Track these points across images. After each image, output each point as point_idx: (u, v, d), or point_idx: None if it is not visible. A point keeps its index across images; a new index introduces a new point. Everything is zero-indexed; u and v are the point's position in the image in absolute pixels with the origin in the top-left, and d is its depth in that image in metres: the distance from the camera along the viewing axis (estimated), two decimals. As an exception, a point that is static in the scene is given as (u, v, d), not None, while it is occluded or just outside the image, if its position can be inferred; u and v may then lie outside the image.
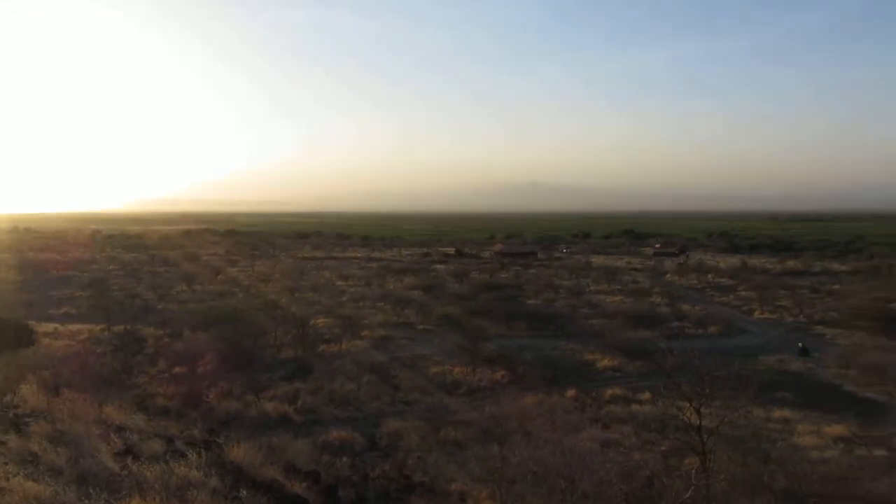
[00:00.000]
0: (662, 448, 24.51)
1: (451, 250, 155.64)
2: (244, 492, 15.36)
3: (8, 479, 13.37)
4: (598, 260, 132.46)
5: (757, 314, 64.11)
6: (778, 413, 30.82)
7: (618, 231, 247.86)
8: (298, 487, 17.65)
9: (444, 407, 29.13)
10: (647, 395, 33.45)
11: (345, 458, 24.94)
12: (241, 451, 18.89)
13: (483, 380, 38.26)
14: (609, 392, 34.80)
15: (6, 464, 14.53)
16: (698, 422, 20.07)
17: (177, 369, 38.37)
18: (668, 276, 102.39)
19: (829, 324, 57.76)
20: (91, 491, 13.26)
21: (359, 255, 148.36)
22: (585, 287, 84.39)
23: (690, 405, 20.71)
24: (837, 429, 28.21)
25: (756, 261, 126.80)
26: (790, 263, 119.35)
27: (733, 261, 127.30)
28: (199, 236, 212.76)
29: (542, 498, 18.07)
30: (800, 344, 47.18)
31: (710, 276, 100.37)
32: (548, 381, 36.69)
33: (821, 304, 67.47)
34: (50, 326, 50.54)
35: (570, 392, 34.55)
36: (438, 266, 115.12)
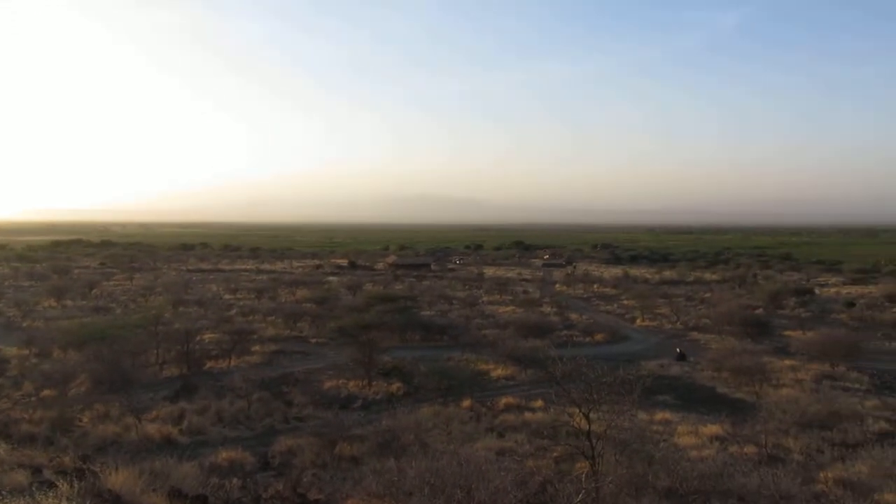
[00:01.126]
0: (555, 454, 25.22)
1: (345, 262, 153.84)
2: (123, 522, 14.25)
3: None
4: (490, 271, 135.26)
5: (639, 322, 67.58)
6: (660, 415, 32.47)
7: (508, 243, 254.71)
8: (184, 514, 16.62)
9: (340, 422, 28.52)
10: (539, 403, 34.35)
11: (235, 480, 23.80)
12: (119, 478, 17.54)
13: (379, 392, 37.89)
14: (503, 401, 35.39)
15: None
16: (587, 427, 20.81)
17: (45, 392, 35.37)
18: (557, 286, 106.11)
19: (702, 330, 61.80)
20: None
21: (248, 266, 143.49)
22: (478, 298, 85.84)
23: (580, 411, 21.45)
24: (713, 428, 30.10)
25: (637, 271, 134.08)
26: (667, 273, 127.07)
27: (616, 271, 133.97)
28: (70, 248, 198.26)
29: (440, 510, 18.02)
30: (677, 349, 50.15)
31: (595, 286, 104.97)
32: (443, 391, 36.86)
33: (695, 312, 72.11)
34: None
35: (466, 402, 34.86)
36: (331, 278, 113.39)
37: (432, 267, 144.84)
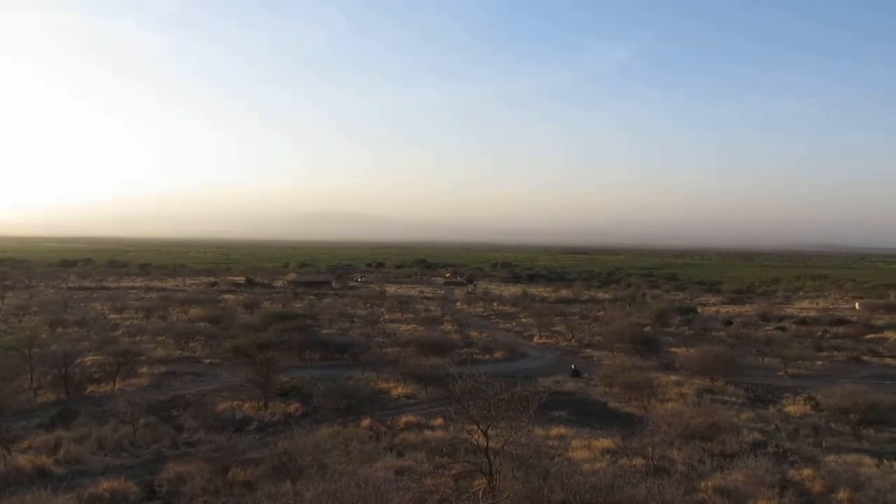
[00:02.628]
0: (454, 471, 25.35)
1: (242, 279, 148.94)
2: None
3: None
4: (392, 289, 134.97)
5: (536, 339, 69.43)
6: (556, 430, 33.42)
7: (410, 260, 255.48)
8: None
9: (233, 445, 27.42)
10: (439, 421, 34.50)
11: (117, 512, 22.44)
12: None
13: (276, 414, 36.80)
14: (404, 419, 35.30)
15: None
16: (486, 444, 21.17)
17: None
18: (458, 304, 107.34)
19: (595, 347, 64.33)
20: None
21: (137, 284, 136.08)
22: (380, 316, 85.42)
23: (478, 428, 21.80)
24: (605, 442, 31.31)
25: (535, 290, 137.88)
26: (563, 292, 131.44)
27: (515, 290, 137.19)
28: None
29: (338, 533, 17.70)
30: (572, 366, 51.90)
31: (495, 304, 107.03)
32: (343, 411, 36.30)
33: (589, 329, 74.98)
34: None
35: (366, 421, 34.50)
36: (227, 296, 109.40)
37: (333, 284, 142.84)
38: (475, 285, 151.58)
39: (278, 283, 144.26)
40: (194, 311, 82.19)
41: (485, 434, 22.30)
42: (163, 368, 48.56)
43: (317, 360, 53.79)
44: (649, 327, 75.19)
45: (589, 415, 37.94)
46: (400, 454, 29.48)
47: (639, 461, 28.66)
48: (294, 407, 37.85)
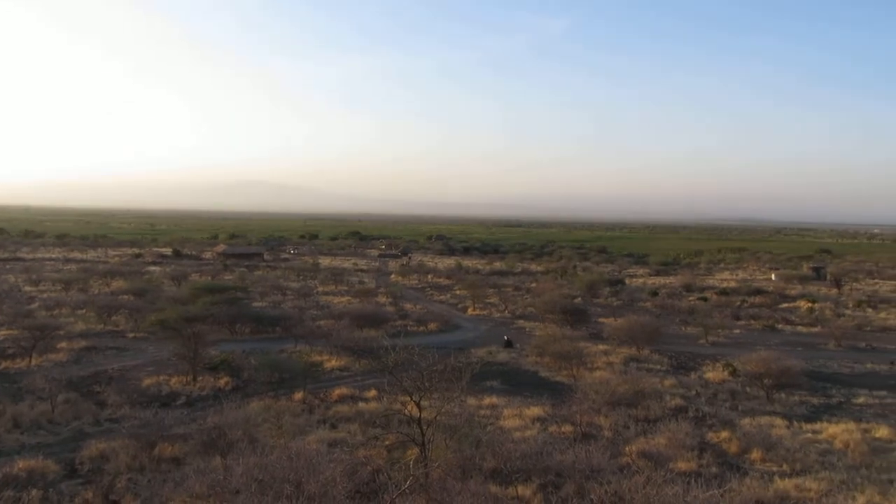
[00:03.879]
0: (387, 442, 25.48)
1: (168, 251, 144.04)
2: None
3: None
4: (325, 261, 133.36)
5: (470, 311, 70.16)
6: (488, 400, 33.97)
7: (344, 232, 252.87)
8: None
9: (160, 421, 26.65)
10: (373, 393, 34.52)
11: (35, 491, 21.53)
12: None
13: (205, 388, 35.96)
14: (337, 392, 35.13)
15: None
16: (419, 414, 21.30)
17: None
18: (393, 276, 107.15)
19: (528, 318, 65.54)
20: None
21: (54, 255, 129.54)
22: (313, 288, 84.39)
23: (412, 399, 21.90)
24: (535, 410, 32.06)
25: (469, 262, 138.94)
26: (497, 264, 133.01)
27: (449, 262, 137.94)
28: None
29: (268, 506, 17.51)
30: (505, 337, 52.75)
31: (429, 276, 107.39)
32: (275, 384, 35.82)
33: (521, 301, 76.25)
34: None
35: (298, 394, 34.16)
36: (153, 268, 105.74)
37: (265, 257, 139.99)
38: (410, 258, 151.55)
39: (207, 255, 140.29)
40: (117, 284, 78.98)
41: (418, 405, 22.43)
42: (83, 343, 46.60)
43: (248, 334, 52.75)
44: (580, 298, 77.12)
45: (520, 384, 38.72)
46: (333, 426, 29.36)
47: (568, 428, 29.52)
48: (224, 381, 37.07)
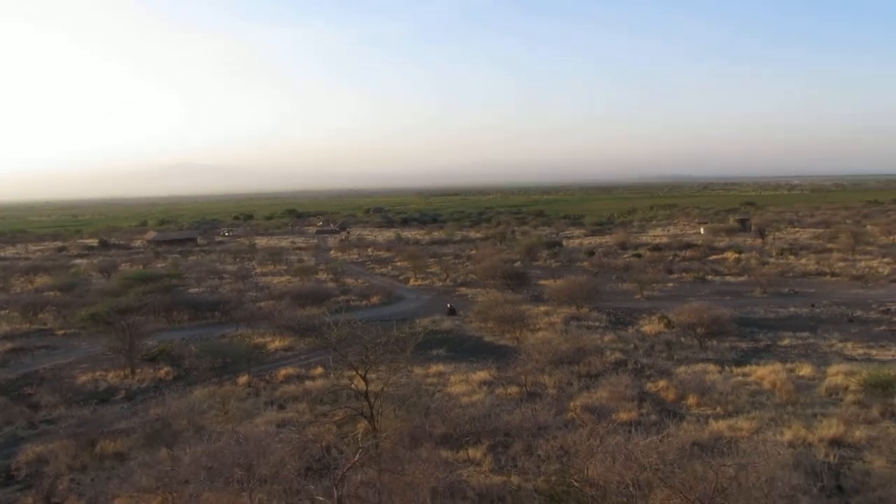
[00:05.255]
0: (336, 418, 25.52)
1: (94, 242, 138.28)
2: None
3: None
4: (262, 241, 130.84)
5: (412, 281, 70.31)
6: (434, 368, 34.34)
7: (280, 211, 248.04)
8: None
9: (99, 418, 25.87)
10: (319, 370, 34.38)
11: (-32, 501, 20.66)
12: None
13: (144, 380, 35.04)
14: (283, 372, 34.84)
15: None
16: (365, 388, 21.39)
17: None
18: (332, 252, 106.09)
19: (469, 285, 66.19)
20: None
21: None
22: (251, 270, 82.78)
23: (357, 373, 21.94)
24: (481, 374, 32.63)
25: (408, 233, 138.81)
26: (436, 234, 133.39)
27: (389, 234, 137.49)
28: None
29: (219, 492, 17.37)
30: (448, 305, 53.20)
31: (369, 249, 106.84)
32: (218, 370, 35.17)
33: (462, 268, 76.81)
34: None
35: (243, 378, 33.71)
36: (79, 261, 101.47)
37: (199, 241, 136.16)
38: (348, 232, 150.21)
39: (137, 244, 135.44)
40: (42, 280, 75.52)
41: (364, 378, 22.52)
42: (9, 345, 44.50)
43: (186, 321, 51.49)
44: (519, 262, 78.26)
45: (466, 350, 39.26)
46: (281, 407, 29.17)
47: (514, 389, 30.21)
48: (164, 371, 36.21)
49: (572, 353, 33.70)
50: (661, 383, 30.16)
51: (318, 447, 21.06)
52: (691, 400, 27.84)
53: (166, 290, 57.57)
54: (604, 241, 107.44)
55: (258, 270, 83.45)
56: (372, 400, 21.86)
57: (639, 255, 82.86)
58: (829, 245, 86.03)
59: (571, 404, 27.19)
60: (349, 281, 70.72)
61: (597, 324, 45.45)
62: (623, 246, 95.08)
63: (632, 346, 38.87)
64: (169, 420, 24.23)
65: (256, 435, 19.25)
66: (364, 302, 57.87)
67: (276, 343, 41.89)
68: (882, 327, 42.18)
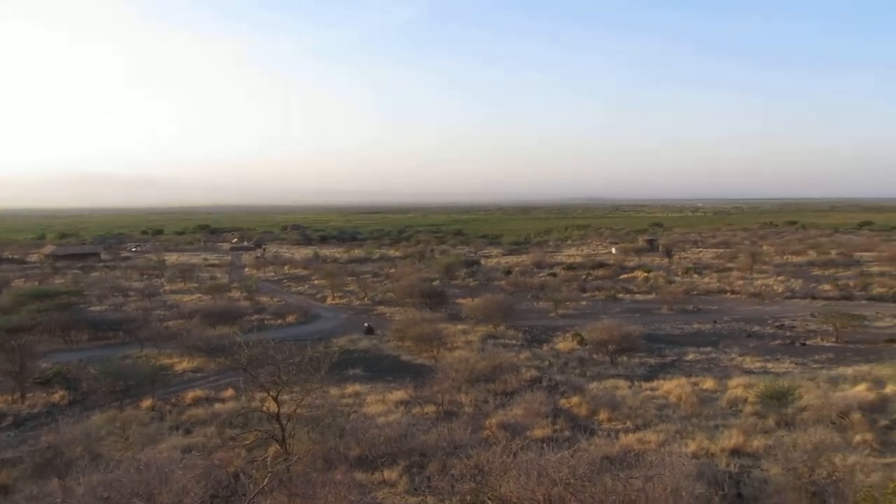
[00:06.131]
0: (246, 442, 24.57)
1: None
2: None
3: None
4: (172, 258, 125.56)
5: (329, 300, 69.18)
6: (350, 388, 33.75)
7: (192, 226, 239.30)
8: None
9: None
10: (229, 392, 33.10)
11: None
12: None
13: (36, 405, 32.65)
14: (190, 395, 33.29)
15: None
16: (277, 410, 20.72)
17: None
18: (247, 270, 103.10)
19: (388, 303, 65.75)
20: None
21: None
22: (159, 287, 79.24)
23: (269, 394, 21.22)
24: (398, 394, 32.31)
25: (327, 251, 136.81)
26: (356, 252, 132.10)
27: (307, 252, 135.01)
28: None
29: (115, 524, 16.30)
30: (365, 324, 52.61)
31: (286, 267, 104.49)
32: (119, 393, 33.21)
33: (381, 287, 76.32)
34: None
35: (147, 402, 31.96)
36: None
37: (102, 256, 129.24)
38: (264, 249, 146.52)
39: (33, 258, 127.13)
40: (-78, 297, 69.49)
41: (276, 400, 21.81)
42: None
43: (85, 341, 48.54)
44: (438, 281, 78.55)
45: (383, 370, 38.85)
46: (188, 432, 27.83)
47: (431, 408, 30.07)
48: (59, 395, 33.90)
49: (489, 372, 33.95)
50: (575, 399, 30.80)
51: (225, 473, 20.19)
52: (603, 415, 28.55)
53: (64, 307, 54.14)
54: (520, 260, 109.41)
55: (167, 288, 79.97)
56: (284, 422, 21.17)
57: (554, 274, 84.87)
58: (730, 264, 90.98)
59: (487, 422, 27.31)
60: (264, 299, 68.83)
61: (513, 342, 46.04)
62: (539, 265, 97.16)
63: (546, 363, 39.56)
64: (62, 448, 22.63)
65: (159, 462, 18.21)
66: (279, 321, 56.41)
67: (184, 364, 40.09)
68: (777, 341, 44.85)
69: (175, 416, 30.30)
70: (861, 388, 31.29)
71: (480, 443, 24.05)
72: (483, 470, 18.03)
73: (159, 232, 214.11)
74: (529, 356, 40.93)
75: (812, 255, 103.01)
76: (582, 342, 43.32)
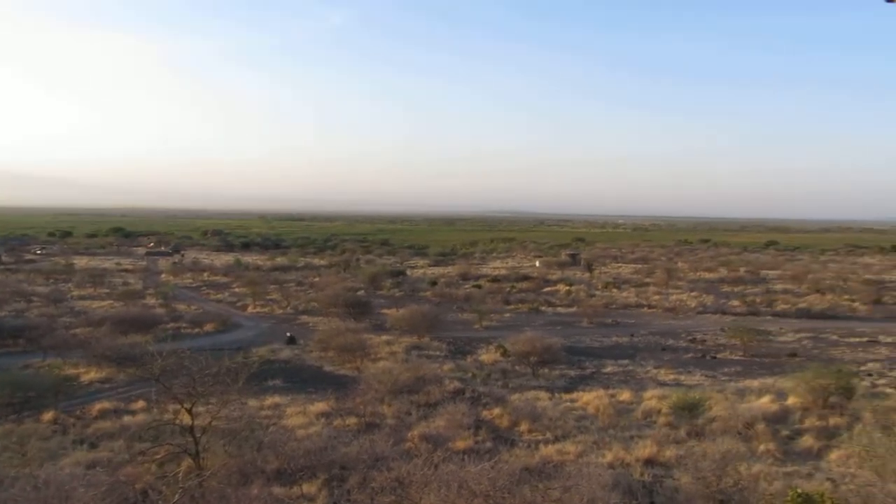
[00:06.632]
0: (157, 457, 23.48)
1: None
2: None
3: None
4: (81, 261, 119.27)
5: (250, 309, 67.38)
6: (270, 400, 32.86)
7: (105, 229, 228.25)
8: None
9: None
10: (140, 404, 31.63)
11: None
12: None
13: (-80, 419, 30.19)
14: (97, 407, 31.56)
15: None
16: (191, 422, 19.91)
17: None
18: (163, 276, 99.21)
19: (311, 313, 64.64)
20: None
21: None
22: (66, 293, 75.11)
23: (183, 407, 20.38)
24: (320, 406, 31.68)
25: (249, 258, 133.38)
26: (279, 259, 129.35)
27: (228, 258, 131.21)
28: None
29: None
30: (287, 333, 51.51)
31: (205, 274, 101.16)
32: (17, 406, 31.16)
33: (304, 296, 74.98)
34: None
35: (48, 414, 30.06)
36: None
37: (3, 258, 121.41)
38: (182, 255, 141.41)
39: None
40: None
41: (190, 412, 20.96)
42: None
43: (-19, 350, 45.39)
44: (363, 291, 77.90)
45: (304, 381, 38.08)
46: (93, 446, 26.35)
47: (353, 420, 29.66)
48: (-53, 408, 31.45)
49: (412, 383, 33.84)
50: (497, 411, 31.07)
51: (132, 490, 19.21)
52: (524, 426, 28.92)
53: (-42, 313, 50.49)
54: (446, 271, 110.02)
55: (75, 293, 75.90)
56: (198, 435, 20.35)
57: (479, 286, 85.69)
58: (647, 280, 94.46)
59: (409, 434, 27.17)
60: (181, 307, 66.31)
61: (437, 353, 46.11)
62: (464, 277, 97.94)
63: (470, 374, 39.79)
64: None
65: (59, 479, 17.16)
66: (196, 330, 54.45)
67: (91, 374, 38.03)
68: (689, 355, 46.79)
69: (79, 429, 28.64)
70: (765, 400, 32.97)
71: (402, 455, 23.86)
72: (404, 482, 17.88)
73: (68, 234, 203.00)
74: (453, 367, 41.09)
75: (723, 272, 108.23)
76: (505, 354, 43.83)
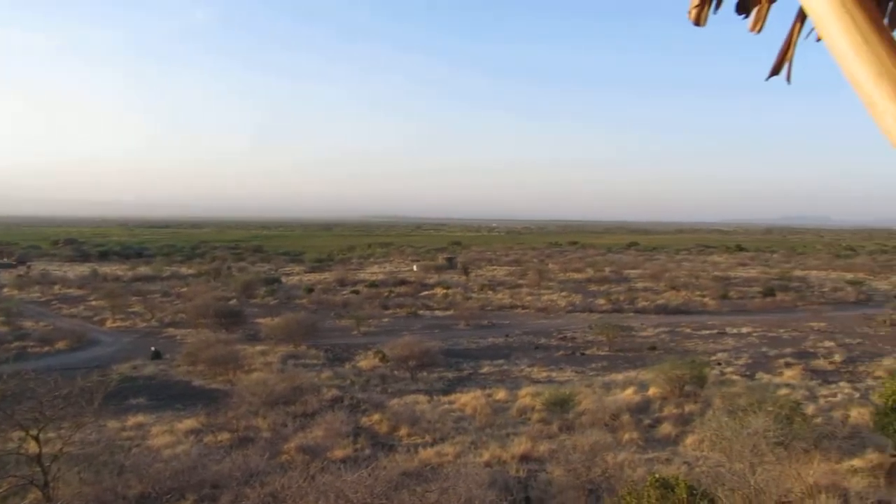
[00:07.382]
0: (0, 491, 21.24)
1: None
2: None
3: None
4: None
5: (109, 323, 62.73)
6: (133, 420, 30.70)
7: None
8: None
9: None
10: (-22, 433, 28.47)
11: None
12: None
13: None
14: (-76, 439, 28.10)
15: None
16: (38, 451, 18.17)
17: None
18: (6, 290, 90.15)
19: (178, 325, 61.18)
20: None
21: None
22: None
23: (28, 434, 18.57)
24: (189, 423, 30.01)
25: (107, 268, 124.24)
26: (142, 269, 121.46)
27: (83, 269, 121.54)
28: None
29: None
30: (152, 348, 48.43)
31: (56, 287, 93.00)
32: None
33: (171, 307, 70.86)
34: None
35: None
36: None
37: None
38: (29, 267, 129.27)
39: None
40: None
41: (37, 440, 19.13)
42: None
43: None
44: (235, 300, 74.86)
45: (171, 397, 35.95)
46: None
47: (225, 436, 28.36)
48: None
49: (288, 393, 32.91)
50: (376, 417, 30.88)
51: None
52: (403, 430, 28.93)
53: None
54: (323, 277, 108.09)
55: None
56: (47, 464, 18.59)
57: (357, 292, 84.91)
58: (520, 281, 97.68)
59: (286, 446, 26.37)
60: (27, 324, 60.55)
61: (315, 361, 45.16)
62: (342, 283, 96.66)
63: (348, 381, 39.31)
64: None
65: None
66: (46, 348, 49.89)
67: (-83, 403, 33.81)
68: (560, 352, 48.87)
69: None
70: (629, 392, 35.08)
71: (278, 468, 23.11)
72: (279, 497, 17.30)
73: None
74: (331, 375, 40.39)
75: (590, 272, 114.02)
76: (384, 359, 43.69)
